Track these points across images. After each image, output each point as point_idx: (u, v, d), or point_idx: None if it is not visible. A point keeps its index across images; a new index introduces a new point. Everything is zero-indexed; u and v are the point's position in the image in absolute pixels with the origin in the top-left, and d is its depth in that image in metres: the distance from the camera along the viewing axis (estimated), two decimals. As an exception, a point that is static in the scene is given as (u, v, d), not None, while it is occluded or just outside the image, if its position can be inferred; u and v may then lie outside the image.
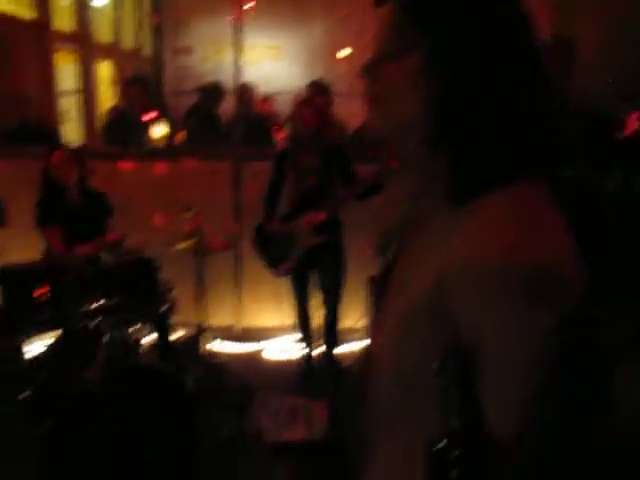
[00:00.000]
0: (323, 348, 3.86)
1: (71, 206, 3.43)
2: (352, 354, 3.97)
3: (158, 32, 7.72)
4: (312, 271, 3.71)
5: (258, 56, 7.47)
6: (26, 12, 5.56)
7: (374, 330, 1.00)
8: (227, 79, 5.06)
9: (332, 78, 5.21)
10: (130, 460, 2.63)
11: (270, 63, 7.61)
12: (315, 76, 5.08)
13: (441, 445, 0.63)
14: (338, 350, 3.86)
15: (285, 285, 3.86)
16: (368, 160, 3.54)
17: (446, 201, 0.82)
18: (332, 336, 3.82)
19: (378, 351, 0.93)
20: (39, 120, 4.79)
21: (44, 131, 4.65)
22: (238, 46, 4.32)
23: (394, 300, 0.91)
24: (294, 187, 3.56)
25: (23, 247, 3.56)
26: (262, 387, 3.51)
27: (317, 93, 4.40)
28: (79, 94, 6.24)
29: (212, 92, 5.40)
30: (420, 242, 0.90)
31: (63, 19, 6.10)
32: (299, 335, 3.92)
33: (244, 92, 5.06)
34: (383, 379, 0.89)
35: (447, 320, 0.75)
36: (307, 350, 3.90)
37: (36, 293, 2.75)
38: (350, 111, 4.37)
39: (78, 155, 3.52)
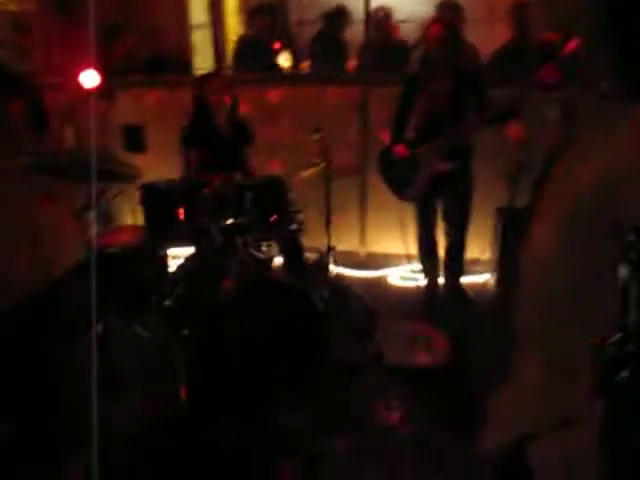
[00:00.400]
0: (445, 277, 3.82)
1: (217, 131, 3.56)
2: (476, 285, 3.90)
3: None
4: (438, 198, 3.63)
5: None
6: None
7: (518, 252, 0.98)
8: (354, 6, 4.95)
9: (468, 2, 4.92)
10: (260, 370, 2.81)
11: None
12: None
13: (614, 339, 0.59)
14: (462, 280, 3.81)
15: (410, 213, 3.82)
16: (503, 86, 3.35)
17: (613, 102, 0.79)
18: (457, 266, 3.76)
19: (529, 266, 0.92)
20: (172, 51, 4.96)
21: (177, 62, 4.83)
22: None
23: (550, 210, 0.90)
24: (423, 111, 3.45)
25: (161, 172, 3.76)
26: (385, 312, 3.57)
27: (448, 13, 4.17)
28: (209, 27, 6.36)
29: (336, 17, 5.31)
30: (580, 147, 0.87)
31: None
32: (423, 263, 3.89)
33: (377, 16, 4.89)
34: (532, 294, 0.89)
35: (616, 211, 0.72)
36: (430, 278, 3.88)
37: (175, 210, 2.92)
38: (487, 37, 4.14)
39: (227, 82, 3.60)
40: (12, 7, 4.87)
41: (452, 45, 3.35)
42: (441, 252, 3.81)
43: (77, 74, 3.61)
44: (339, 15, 5.30)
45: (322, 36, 5.34)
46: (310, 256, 3.83)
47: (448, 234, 3.70)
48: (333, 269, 3.67)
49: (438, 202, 3.64)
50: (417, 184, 3.49)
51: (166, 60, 4.82)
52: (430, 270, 3.87)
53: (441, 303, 3.81)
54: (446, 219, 3.67)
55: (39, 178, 3.05)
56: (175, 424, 2.69)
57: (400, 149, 3.49)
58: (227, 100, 3.55)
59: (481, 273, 3.97)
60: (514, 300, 0.93)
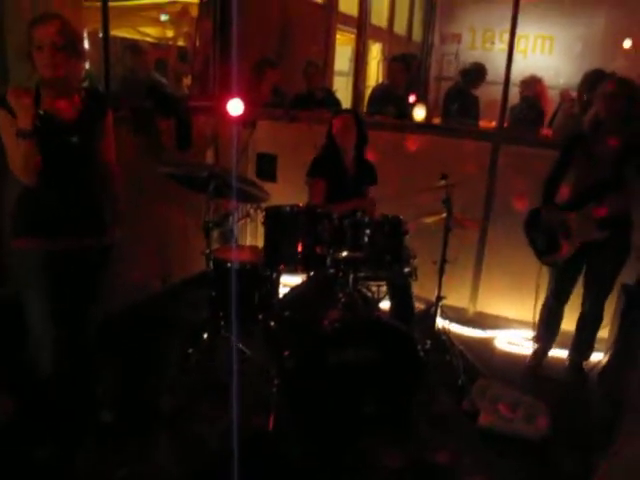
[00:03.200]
0: (571, 354, 3.63)
1: (343, 167, 3.68)
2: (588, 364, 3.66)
3: (429, 18, 7.87)
4: (581, 267, 3.43)
5: (528, 46, 7.21)
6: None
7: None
8: (493, 68, 4.98)
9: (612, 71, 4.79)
10: (352, 403, 2.79)
11: (540, 54, 7.28)
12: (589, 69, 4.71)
13: None
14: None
15: (528, 277, 3.70)
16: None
17: None
18: (588, 343, 3.54)
19: None
20: (316, 91, 5.21)
21: (318, 101, 5.06)
22: (511, 35, 4.16)
23: None
24: (582, 175, 3.29)
25: (286, 200, 3.91)
26: (487, 374, 3.44)
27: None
28: (351, 75, 6.65)
29: (473, 74, 5.38)
30: None
31: (346, 3, 6.54)
32: (539, 331, 3.71)
33: (529, 82, 5.01)
34: None
35: None
36: (543, 349, 3.70)
37: (294, 235, 3.03)
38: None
39: (359, 121, 3.73)
40: (181, 42, 5.42)
41: (627, 117, 3.15)
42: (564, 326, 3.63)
43: (225, 102, 3.89)
44: (476, 73, 5.36)
45: (457, 91, 5.42)
46: (418, 304, 3.80)
47: (585, 306, 3.49)
48: (439, 321, 3.61)
49: (580, 271, 3.45)
50: (565, 249, 3.32)
51: (308, 98, 5.09)
52: (546, 340, 3.68)
53: (547, 376, 3.61)
54: (588, 289, 3.46)
55: (174, 188, 3.29)
56: (262, 442, 2.74)
57: (551, 211, 3.35)
58: (352, 138, 3.66)
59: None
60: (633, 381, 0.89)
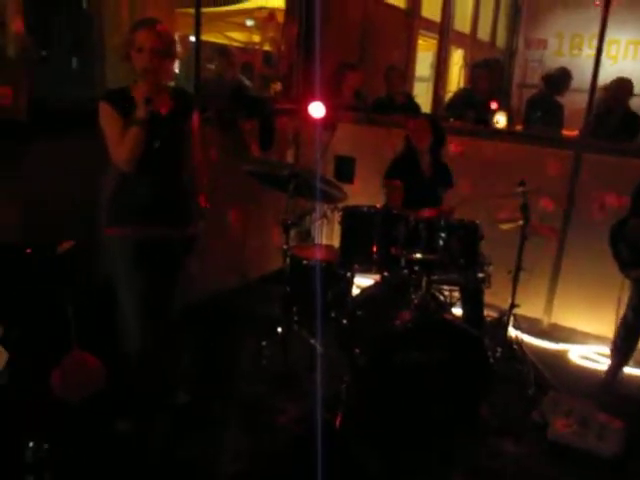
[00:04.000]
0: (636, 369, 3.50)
1: (419, 170, 3.73)
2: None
3: (514, 23, 7.74)
4: None
5: (619, 52, 6.96)
6: (401, 0, 6.20)
7: None
8: (580, 74, 4.85)
9: None
10: (419, 406, 2.82)
11: (631, 61, 7.01)
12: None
13: None
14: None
15: (608, 290, 3.60)
16: None
17: None
18: None
19: None
20: (396, 96, 5.26)
21: (398, 106, 5.10)
22: (600, 40, 4.05)
23: None
24: None
25: (365, 203, 3.97)
26: (558, 387, 3.37)
27: None
28: (432, 81, 6.65)
29: (557, 79, 5.24)
30: None
31: (429, 8, 6.55)
32: (616, 347, 3.60)
33: (620, 87, 4.79)
34: None
35: None
36: (618, 364, 3.58)
37: (370, 236, 3.08)
38: None
39: (435, 125, 3.77)
40: (266, 47, 5.62)
41: None
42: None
43: (307, 104, 4.00)
44: (561, 78, 5.23)
45: (541, 98, 5.31)
46: (490, 313, 3.76)
47: None
48: (511, 331, 3.57)
49: None
50: None
51: (389, 103, 5.14)
52: (622, 356, 3.56)
53: (621, 393, 3.49)
54: None
55: (255, 186, 3.42)
56: (329, 438, 2.81)
57: None
58: (427, 141, 3.68)
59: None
60: None
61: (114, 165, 2.45)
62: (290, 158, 4.44)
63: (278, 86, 4.75)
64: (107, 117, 2.41)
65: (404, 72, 5.86)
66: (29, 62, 2.96)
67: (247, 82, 5.08)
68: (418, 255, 2.96)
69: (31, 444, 1.78)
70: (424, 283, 2.98)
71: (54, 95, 3.47)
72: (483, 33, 7.88)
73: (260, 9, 6.24)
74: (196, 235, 2.74)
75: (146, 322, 2.60)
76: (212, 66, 4.96)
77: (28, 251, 1.67)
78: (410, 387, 2.80)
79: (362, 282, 3.99)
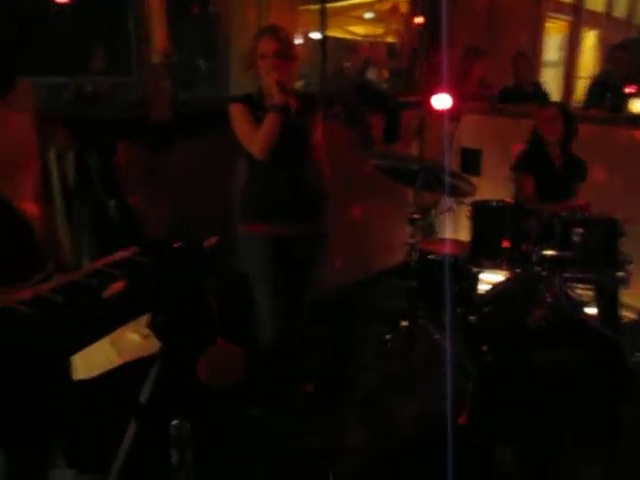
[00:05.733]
0: None
1: (550, 163, 3.56)
2: None
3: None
4: None
5: None
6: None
7: None
8: None
9: None
10: (547, 407, 2.71)
11: None
12: None
13: None
14: None
15: None
16: None
17: None
18: None
19: None
20: (523, 84, 5.04)
21: (526, 95, 4.90)
22: None
23: None
24: None
25: (491, 195, 3.87)
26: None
27: None
28: (561, 66, 6.31)
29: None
30: None
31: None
32: None
33: None
34: None
35: None
36: None
37: (501, 231, 3.00)
38: None
39: (566, 114, 3.58)
40: (389, 39, 5.61)
41: None
42: None
43: (431, 97, 3.95)
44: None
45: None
46: (627, 314, 3.54)
47: None
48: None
49: None
50: None
51: (517, 92, 4.95)
52: None
53: None
54: None
55: (380, 180, 3.43)
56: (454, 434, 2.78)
57: None
58: (557, 131, 3.50)
59: None
60: None
61: (245, 163, 2.57)
62: (415, 151, 4.40)
63: (397, 76, 4.71)
64: (240, 114, 2.55)
65: (532, 59, 5.60)
66: (170, 66, 3.15)
67: (371, 76, 5.10)
68: (552, 252, 2.84)
69: (175, 422, 1.91)
70: (557, 281, 2.86)
71: (187, 97, 3.66)
72: (619, 11, 7.34)
73: (381, 1, 6.22)
74: (326, 232, 2.81)
75: (280, 322, 2.70)
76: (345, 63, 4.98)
77: (177, 245, 1.80)
78: (540, 387, 2.70)
79: (487, 278, 3.89)
